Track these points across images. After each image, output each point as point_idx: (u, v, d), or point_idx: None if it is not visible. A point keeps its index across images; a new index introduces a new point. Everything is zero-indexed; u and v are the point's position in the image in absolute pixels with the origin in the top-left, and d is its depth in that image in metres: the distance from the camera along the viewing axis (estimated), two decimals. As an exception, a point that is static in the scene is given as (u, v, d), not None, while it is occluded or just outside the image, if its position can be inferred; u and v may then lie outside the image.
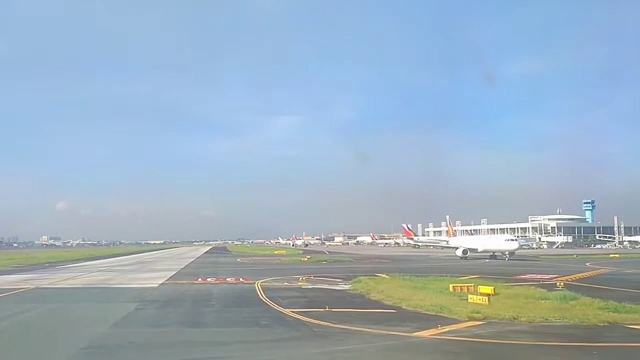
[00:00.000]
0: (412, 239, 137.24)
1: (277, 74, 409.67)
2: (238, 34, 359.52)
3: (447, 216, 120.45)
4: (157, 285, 36.17)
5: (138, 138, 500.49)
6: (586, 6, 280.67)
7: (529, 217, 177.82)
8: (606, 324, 18.49)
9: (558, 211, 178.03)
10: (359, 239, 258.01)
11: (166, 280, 39.75)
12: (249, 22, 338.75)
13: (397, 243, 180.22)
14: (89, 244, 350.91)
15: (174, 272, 49.62)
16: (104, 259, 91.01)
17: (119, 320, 20.44)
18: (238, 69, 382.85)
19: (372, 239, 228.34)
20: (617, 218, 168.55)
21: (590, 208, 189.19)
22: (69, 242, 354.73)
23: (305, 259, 73.22)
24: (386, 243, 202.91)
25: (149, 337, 17.36)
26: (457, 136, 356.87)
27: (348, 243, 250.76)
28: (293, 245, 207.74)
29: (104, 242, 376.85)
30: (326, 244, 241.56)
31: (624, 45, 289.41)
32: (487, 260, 69.84)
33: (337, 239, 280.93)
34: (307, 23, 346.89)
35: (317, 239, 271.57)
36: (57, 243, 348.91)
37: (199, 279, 40.64)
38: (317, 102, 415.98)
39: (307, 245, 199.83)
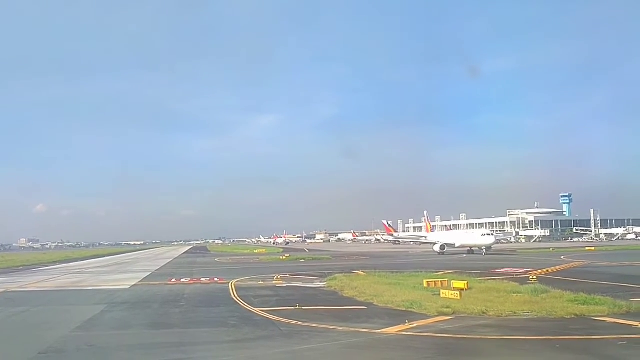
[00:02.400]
0: (392, 235, 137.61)
1: (257, 72, 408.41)
2: (218, 33, 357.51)
3: (425, 212, 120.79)
4: (129, 286, 35.59)
5: (117, 138, 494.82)
6: (563, 3, 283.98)
7: (507, 211, 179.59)
8: (573, 316, 18.56)
9: (536, 205, 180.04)
10: (340, 236, 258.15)
11: (139, 282, 39.16)
12: (230, 21, 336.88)
13: (378, 239, 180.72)
14: (68, 245, 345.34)
15: (149, 273, 48.98)
16: (81, 260, 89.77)
17: (83, 323, 19.95)
18: (219, 68, 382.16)
19: (354, 236, 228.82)
20: (594, 211, 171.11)
21: (568, 201, 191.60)
22: (47, 244, 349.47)
23: (284, 258, 72.83)
24: (367, 240, 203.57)
25: (110, 340, 16.92)
26: (437, 132, 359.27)
27: (329, 240, 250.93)
28: (274, 243, 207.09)
29: (83, 244, 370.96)
30: (307, 241, 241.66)
31: (601, 42, 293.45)
32: (465, 256, 70.34)
33: (318, 237, 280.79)
34: (287, 21, 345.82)
35: (298, 237, 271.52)
36: (36, 245, 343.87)
37: (173, 280, 40.13)
38: (298, 99, 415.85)
39: (288, 243, 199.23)
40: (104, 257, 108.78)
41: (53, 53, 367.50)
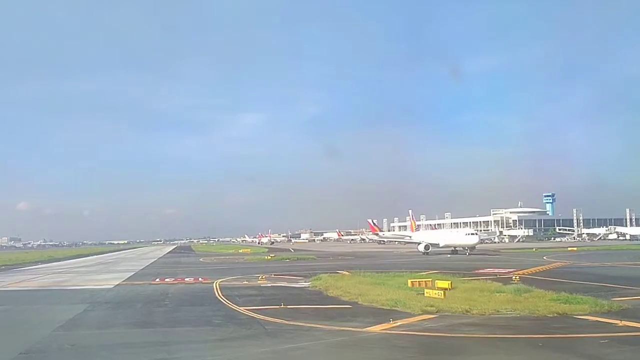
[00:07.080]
0: (377, 234, 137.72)
1: (241, 71, 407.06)
2: (201, 32, 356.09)
3: (410, 211, 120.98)
4: (112, 286, 35.31)
5: (100, 136, 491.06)
6: (543, 3, 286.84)
7: (491, 210, 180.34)
8: (555, 315, 18.80)
9: (519, 204, 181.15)
10: (325, 235, 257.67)
11: (122, 281, 38.87)
12: (213, 20, 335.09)
13: (363, 239, 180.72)
14: (50, 244, 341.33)
15: (133, 273, 48.60)
16: (63, 260, 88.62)
17: (65, 323, 19.75)
18: (202, 67, 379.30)
19: (339, 235, 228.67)
20: (576, 210, 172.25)
21: (551, 201, 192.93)
22: (29, 243, 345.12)
23: (269, 258, 72.64)
24: (352, 239, 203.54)
25: (92, 340, 16.77)
26: (421, 132, 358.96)
27: (314, 240, 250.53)
28: (259, 243, 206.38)
29: (66, 243, 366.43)
30: (292, 241, 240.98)
31: (582, 42, 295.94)
32: (449, 256, 70.60)
33: (303, 236, 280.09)
34: (270, 20, 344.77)
35: (283, 236, 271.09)
36: (18, 244, 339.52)
37: (157, 280, 39.89)
38: (282, 99, 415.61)
39: (273, 243, 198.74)
40: (87, 256, 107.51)
41: (33, 51, 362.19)
